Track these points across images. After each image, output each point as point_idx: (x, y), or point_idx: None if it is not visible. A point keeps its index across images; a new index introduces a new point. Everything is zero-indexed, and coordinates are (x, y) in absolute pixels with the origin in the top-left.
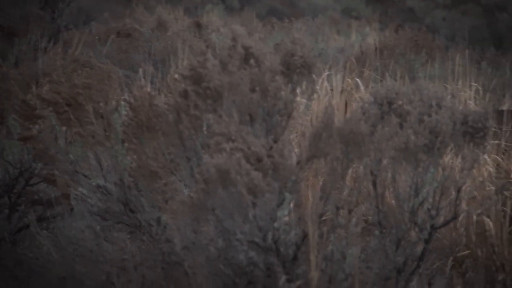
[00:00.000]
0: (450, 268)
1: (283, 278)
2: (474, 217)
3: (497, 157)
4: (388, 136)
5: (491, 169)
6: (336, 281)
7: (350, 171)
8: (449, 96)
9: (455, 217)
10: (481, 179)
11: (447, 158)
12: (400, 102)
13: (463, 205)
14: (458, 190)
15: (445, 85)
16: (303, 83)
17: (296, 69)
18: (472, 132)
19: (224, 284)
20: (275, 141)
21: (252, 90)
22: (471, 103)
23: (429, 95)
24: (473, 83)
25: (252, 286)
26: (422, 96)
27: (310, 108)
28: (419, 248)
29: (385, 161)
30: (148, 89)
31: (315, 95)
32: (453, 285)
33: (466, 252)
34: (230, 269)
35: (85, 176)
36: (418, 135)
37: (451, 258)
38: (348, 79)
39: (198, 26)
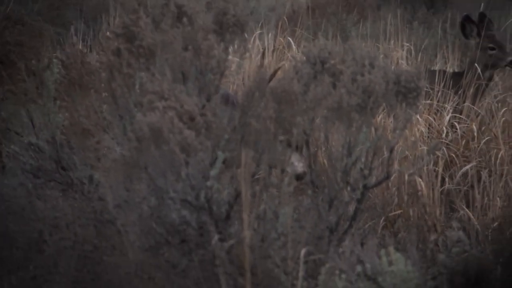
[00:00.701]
0: (382, 227)
1: (215, 237)
2: (406, 177)
3: (429, 117)
4: (321, 95)
5: (423, 129)
6: (269, 240)
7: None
8: (382, 56)
9: (387, 177)
10: (413, 139)
11: (379, 118)
12: (333, 62)
13: (395, 165)
14: (391, 150)
15: (377, 44)
16: (236, 42)
17: (229, 28)
18: (404, 92)
19: (156, 242)
20: (208, 100)
21: (185, 49)
22: (403, 63)
23: (362, 55)
24: (405, 43)
25: (184, 245)
26: (355, 55)
27: (242, 67)
28: (352, 208)
29: (318, 121)
30: (80, 47)
31: (247, 54)
32: (385, 244)
33: (398, 211)
34: (162, 227)
35: (17, 133)
36: (351, 95)
37: (383, 217)
38: (280, 38)
39: None
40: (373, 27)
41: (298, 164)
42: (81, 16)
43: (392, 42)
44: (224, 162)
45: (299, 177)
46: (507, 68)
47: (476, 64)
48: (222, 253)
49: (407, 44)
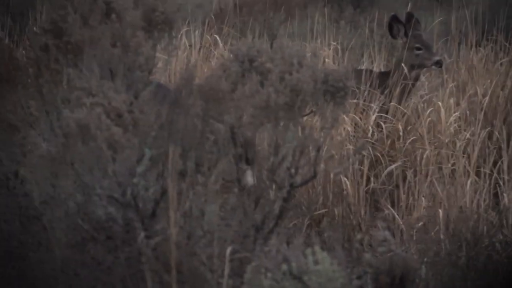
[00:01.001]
0: (308, 226)
1: (141, 234)
2: (332, 176)
3: (355, 116)
4: (248, 94)
5: (349, 128)
6: (195, 238)
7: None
8: (310, 55)
9: (314, 176)
10: (339, 138)
11: (307, 117)
12: (261, 60)
13: (322, 164)
14: (318, 149)
15: (304, 43)
16: (164, 39)
17: (157, 25)
18: (333, 91)
19: (82, 238)
20: (136, 97)
21: (113, 45)
22: (330, 62)
23: (290, 54)
24: (332, 42)
25: (110, 242)
26: (284, 54)
27: (169, 64)
28: (278, 207)
29: (245, 119)
30: (7, 42)
31: (175, 52)
32: (311, 243)
33: (323, 210)
34: (88, 224)
35: None
36: (279, 94)
37: (308, 216)
38: (207, 36)
39: None
40: (300, 26)
41: (251, 178)
42: (7, 11)
43: (319, 41)
44: (151, 159)
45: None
46: (433, 68)
47: (403, 64)
48: (148, 250)
49: (334, 43)
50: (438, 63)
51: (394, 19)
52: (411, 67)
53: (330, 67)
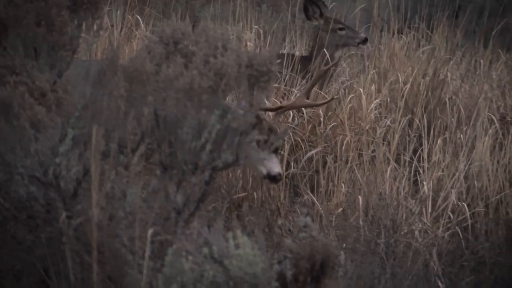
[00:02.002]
0: (227, 210)
1: (63, 214)
2: None
3: (276, 100)
4: (172, 76)
5: (270, 113)
6: (117, 219)
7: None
8: (235, 39)
9: (236, 160)
10: None
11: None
12: (186, 43)
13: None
14: (241, 134)
15: (227, 26)
16: (89, 19)
17: (83, 4)
18: (257, 76)
19: (3, 217)
20: (59, 76)
21: (38, 24)
22: (251, 46)
23: (215, 37)
24: (254, 26)
25: (32, 221)
26: (208, 37)
27: (91, 44)
28: (200, 190)
29: (169, 101)
30: None
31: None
32: (232, 227)
33: (243, 194)
34: (9, 202)
35: None
36: (203, 77)
37: (228, 200)
38: (129, 16)
39: None
40: (223, 9)
41: (275, 165)
42: None
43: (241, 24)
44: (73, 139)
45: (274, 179)
46: (360, 46)
47: (325, 49)
48: (69, 231)
49: (256, 27)
50: (365, 41)
51: (309, 1)
52: (336, 48)
53: (255, 51)
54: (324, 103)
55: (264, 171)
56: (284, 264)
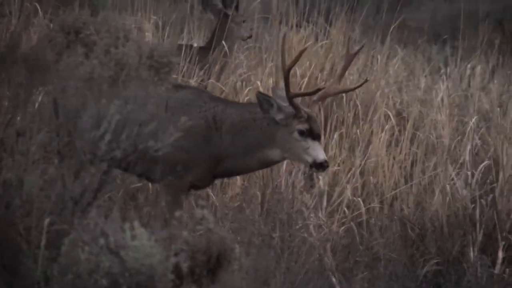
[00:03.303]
0: (124, 201)
1: None
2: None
3: None
4: (73, 65)
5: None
6: (13, 208)
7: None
8: (136, 29)
9: (134, 150)
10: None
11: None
12: (87, 32)
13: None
14: (140, 124)
15: (126, 16)
16: None
17: None
18: (157, 67)
19: None
20: None
21: None
22: (150, 36)
23: (116, 27)
24: (152, 16)
25: None
26: (110, 27)
27: None
28: (97, 180)
29: (69, 90)
30: None
31: None
32: (129, 218)
33: (138, 185)
34: None
35: None
36: (104, 66)
37: (122, 190)
38: (27, 4)
39: None
40: None
41: (320, 152)
42: None
43: (139, 14)
44: None
45: (321, 166)
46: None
47: (223, 41)
48: None
49: (155, 17)
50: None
51: None
52: (237, 40)
53: (156, 42)
54: (357, 87)
55: (310, 160)
56: (180, 256)
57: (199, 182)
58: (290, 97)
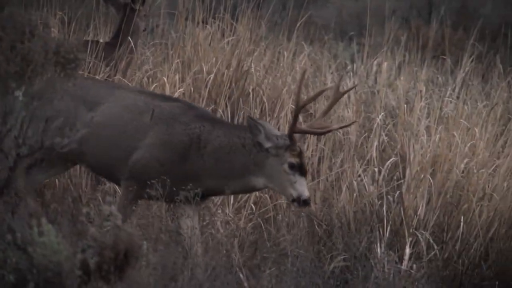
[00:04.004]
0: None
1: None
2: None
3: None
4: None
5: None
6: None
7: None
8: (42, 25)
9: (41, 147)
10: None
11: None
12: None
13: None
14: (46, 121)
15: (32, 12)
16: None
17: None
18: (64, 63)
19: None
20: None
21: None
22: (55, 32)
23: (22, 22)
24: (58, 12)
25: None
26: (16, 23)
27: None
28: (4, 176)
29: None
30: None
31: None
32: (36, 215)
33: (45, 181)
34: None
35: None
36: (10, 62)
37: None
38: None
39: None
40: None
41: (305, 189)
42: None
43: (45, 10)
44: None
45: (305, 203)
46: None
47: (130, 38)
48: None
49: (60, 13)
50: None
51: None
52: (139, 37)
53: (63, 38)
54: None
55: (295, 194)
56: (88, 253)
57: (168, 196)
58: (294, 132)
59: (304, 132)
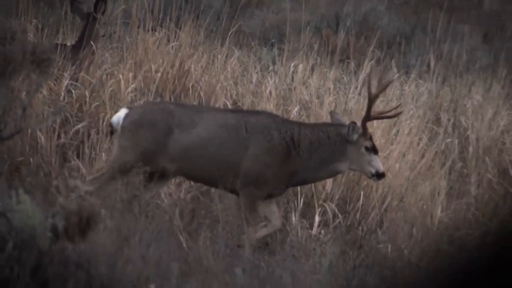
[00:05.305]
0: (10, 172)
1: None
2: (29, 131)
3: (50, 82)
4: None
5: (45, 93)
6: None
7: None
8: (20, 31)
9: (19, 131)
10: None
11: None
12: None
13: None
14: (23, 109)
15: (10, 20)
16: None
17: None
18: (38, 62)
19: None
20: None
21: None
22: (31, 36)
23: (4, 29)
24: (33, 19)
25: None
26: None
27: None
28: None
29: None
30: None
31: None
32: (15, 187)
33: (21, 158)
34: None
35: None
36: None
37: (8, 163)
38: None
39: None
40: (3, 4)
41: (380, 165)
42: None
43: (23, 18)
44: None
45: (382, 176)
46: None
47: (92, 42)
48: None
49: (35, 21)
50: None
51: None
52: (99, 41)
53: (38, 41)
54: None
55: (373, 171)
56: (57, 218)
57: (275, 191)
58: (369, 119)
59: (377, 119)
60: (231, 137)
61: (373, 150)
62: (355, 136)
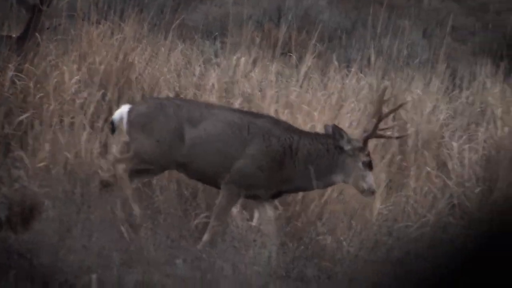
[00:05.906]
0: None
1: None
2: None
3: None
4: None
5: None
6: None
7: None
8: None
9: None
10: None
11: None
12: None
13: None
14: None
15: None
16: None
17: None
18: None
19: None
20: None
21: None
22: None
23: None
24: None
25: None
26: None
27: None
28: None
29: None
30: None
31: None
32: None
33: None
34: None
35: None
36: None
37: None
38: None
39: None
40: None
41: (373, 182)
42: None
43: None
44: None
45: (373, 193)
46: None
47: (37, 33)
48: None
49: None
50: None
51: None
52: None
53: None
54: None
55: (365, 186)
56: (0, 208)
57: (263, 194)
58: (372, 137)
59: (380, 137)
60: (234, 134)
61: (369, 166)
62: (347, 146)
